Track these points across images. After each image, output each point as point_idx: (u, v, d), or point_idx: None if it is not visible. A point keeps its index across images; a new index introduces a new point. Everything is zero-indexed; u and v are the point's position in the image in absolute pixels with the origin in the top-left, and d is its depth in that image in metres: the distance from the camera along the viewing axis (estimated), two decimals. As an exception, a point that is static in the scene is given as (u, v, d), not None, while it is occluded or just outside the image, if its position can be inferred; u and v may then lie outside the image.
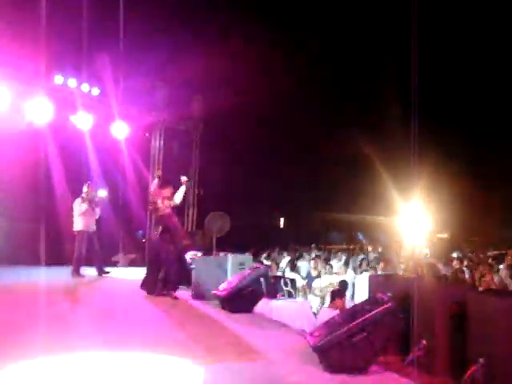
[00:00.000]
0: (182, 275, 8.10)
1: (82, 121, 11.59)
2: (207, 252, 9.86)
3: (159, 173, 8.08)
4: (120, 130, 12.36)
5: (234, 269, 7.98)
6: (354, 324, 4.12)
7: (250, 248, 12.37)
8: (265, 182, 18.64)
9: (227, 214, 10.84)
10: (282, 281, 7.06)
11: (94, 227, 9.81)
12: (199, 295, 7.81)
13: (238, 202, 17.01)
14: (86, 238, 9.55)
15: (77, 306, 6.38)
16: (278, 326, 5.93)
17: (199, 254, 9.31)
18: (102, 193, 10.38)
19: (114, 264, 11.81)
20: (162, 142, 13.65)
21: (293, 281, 7.29)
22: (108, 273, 9.82)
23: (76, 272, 9.45)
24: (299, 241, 17.56)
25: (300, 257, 12.35)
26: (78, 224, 9.63)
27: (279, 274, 9.10)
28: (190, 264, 8.51)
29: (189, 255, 9.05)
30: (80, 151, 11.78)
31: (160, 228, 7.60)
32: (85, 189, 9.83)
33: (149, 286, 7.55)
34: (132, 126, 12.56)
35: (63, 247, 10.93)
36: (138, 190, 12.70)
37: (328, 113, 17.19)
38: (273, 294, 6.80)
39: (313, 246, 15.14)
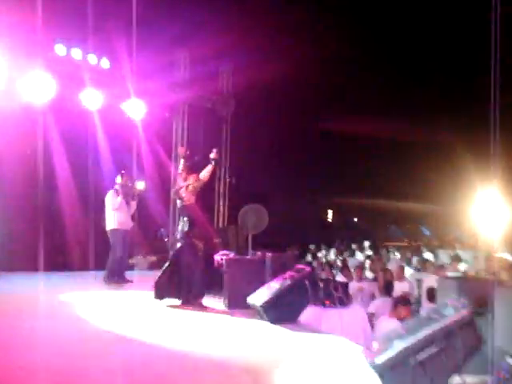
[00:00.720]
0: (211, 279, 8.13)
1: (90, 99, 11.53)
2: (241, 252, 9.92)
3: (183, 152, 8.02)
4: (135, 110, 12.35)
5: (273, 271, 7.96)
6: (420, 339, 3.97)
7: (292, 246, 12.33)
8: (309, 169, 18.88)
9: (264, 206, 10.80)
10: (332, 285, 7.02)
11: (129, 224, 9.89)
12: (232, 303, 7.82)
13: (277, 192, 17.10)
14: (121, 237, 9.61)
15: (75, 329, 6.07)
16: (329, 340, 5.87)
17: (231, 254, 9.32)
18: (140, 185, 10.39)
19: (131, 267, 11.87)
20: (185, 124, 13.75)
21: (344, 285, 7.25)
22: (130, 282, 9.82)
23: (109, 277, 9.57)
24: (351, 237, 17.45)
25: (352, 255, 12.22)
26: (111, 221, 9.67)
27: (328, 276, 9.00)
28: (221, 266, 8.53)
29: (219, 256, 9.07)
30: (87, 136, 11.79)
31: (184, 221, 7.57)
32: (118, 179, 9.87)
33: (160, 289, 7.53)
34: (150, 104, 12.58)
35: (67, 251, 11.10)
36: (157, 180, 12.81)
37: (384, 93, 17.01)
38: (321, 300, 6.78)
39: (366, 244, 14.97)
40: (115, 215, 9.66)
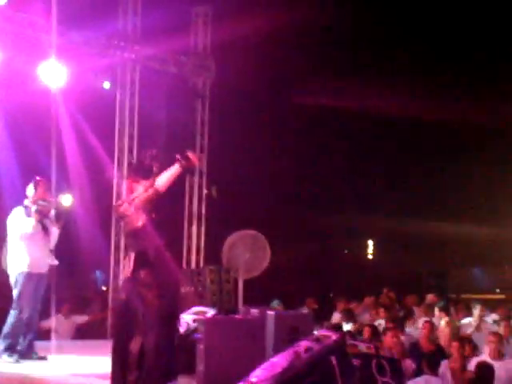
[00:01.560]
0: (176, 355, 7.80)
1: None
2: (227, 309, 10.22)
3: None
4: (55, 76, 12.27)
5: (278, 340, 8.03)
6: None
7: (308, 299, 12.32)
8: (331, 176, 19.12)
9: (264, 234, 11.05)
10: (375, 363, 6.94)
11: (47, 264, 9.80)
12: None
13: (283, 210, 17.10)
14: (33, 285, 9.58)
15: None
16: None
17: (210, 311, 9.46)
18: (65, 200, 10.31)
19: (45, 334, 11.69)
20: (136, 99, 13.79)
21: (395, 363, 7.30)
22: (43, 359, 9.72)
23: (8, 350, 9.50)
24: (404, 282, 17.56)
25: (408, 315, 12.13)
26: (18, 259, 9.59)
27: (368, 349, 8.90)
28: (193, 333, 8.58)
29: (190, 315, 9.10)
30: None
31: (131, 258, 7.34)
32: (30, 191, 9.81)
33: None
34: (78, 68, 12.69)
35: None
36: (90, 192, 12.90)
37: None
38: None
39: (428, 297, 14.97)
40: (25, 249, 9.58)
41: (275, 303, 13.74)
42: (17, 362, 9.44)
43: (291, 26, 14.19)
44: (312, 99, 17.00)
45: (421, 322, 11.86)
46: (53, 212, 9.83)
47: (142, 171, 7.45)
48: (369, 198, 20.87)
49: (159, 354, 7.21)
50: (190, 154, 7.33)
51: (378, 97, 17.50)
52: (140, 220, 7.22)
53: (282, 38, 14.83)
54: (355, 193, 20.44)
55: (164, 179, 7.27)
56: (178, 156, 7.28)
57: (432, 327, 10.87)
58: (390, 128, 19.22)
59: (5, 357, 9.48)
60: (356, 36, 17.03)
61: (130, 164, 8.13)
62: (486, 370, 8.54)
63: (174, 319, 8.04)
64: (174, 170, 7.30)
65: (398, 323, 11.25)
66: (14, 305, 9.58)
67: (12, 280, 9.61)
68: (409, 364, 9.08)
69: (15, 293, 9.55)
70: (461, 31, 17.57)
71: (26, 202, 9.74)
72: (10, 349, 9.52)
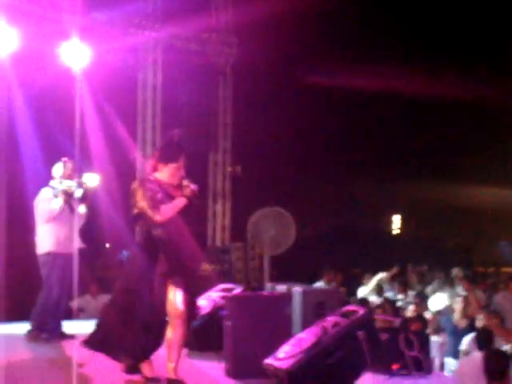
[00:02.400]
0: (203, 332, 8.25)
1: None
2: (253, 285, 10.29)
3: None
4: (77, 56, 12.22)
5: (305, 315, 8.04)
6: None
7: (335, 274, 12.30)
8: (355, 152, 19.38)
9: (289, 211, 10.96)
10: (403, 337, 6.92)
11: (74, 245, 9.73)
12: (238, 369, 7.77)
13: (308, 185, 17.08)
14: (60, 266, 9.58)
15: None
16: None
17: (237, 289, 9.39)
18: (91, 179, 10.27)
19: (75, 314, 11.81)
20: (159, 78, 13.73)
21: (423, 337, 7.10)
22: (71, 338, 9.64)
23: (37, 330, 9.56)
24: (431, 258, 17.49)
25: (440, 287, 12.18)
26: (45, 240, 9.61)
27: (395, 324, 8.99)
28: (219, 310, 8.57)
29: (216, 293, 9.11)
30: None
31: (145, 238, 7.19)
32: (57, 171, 9.79)
33: (99, 343, 7.22)
34: (100, 47, 12.63)
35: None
36: (114, 172, 12.79)
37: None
38: (385, 363, 6.69)
39: (455, 270, 14.92)
40: (52, 230, 9.59)
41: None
42: (46, 340, 9.54)
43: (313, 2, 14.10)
44: (330, 78, 16.99)
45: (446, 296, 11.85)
46: (79, 192, 9.86)
47: (170, 152, 7.20)
48: (394, 172, 20.78)
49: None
50: (187, 185, 7.10)
51: (399, 76, 17.46)
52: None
53: (304, 15, 14.73)
54: (380, 168, 20.36)
55: (168, 210, 6.92)
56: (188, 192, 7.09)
57: (467, 302, 10.84)
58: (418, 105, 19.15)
59: (34, 336, 9.58)
60: (378, 16, 17.00)
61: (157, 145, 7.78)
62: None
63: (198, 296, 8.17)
64: (179, 203, 7.02)
65: (423, 299, 11.23)
66: (44, 285, 9.68)
67: (40, 260, 9.66)
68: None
69: (44, 273, 9.60)
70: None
71: (53, 182, 9.78)
72: (39, 328, 9.62)
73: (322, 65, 16.53)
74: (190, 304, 7.08)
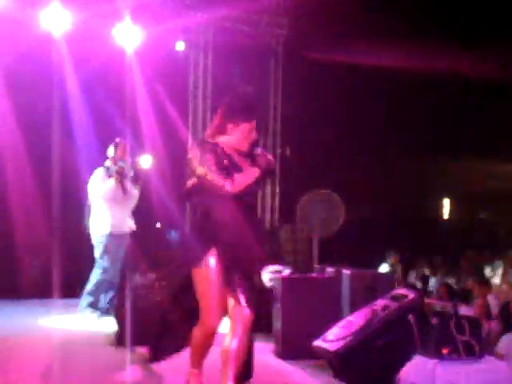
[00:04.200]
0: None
1: (54, 19, 11.60)
2: (302, 267, 10.15)
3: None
4: (130, 38, 12.40)
5: (354, 298, 8.01)
6: None
7: (385, 258, 12.27)
8: (407, 133, 18.96)
9: (339, 194, 11.05)
10: (454, 322, 6.79)
11: (128, 225, 9.97)
12: (288, 350, 7.80)
13: (358, 170, 16.99)
14: (115, 246, 9.78)
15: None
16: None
17: (286, 270, 9.33)
18: (144, 161, 10.37)
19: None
20: (209, 60, 13.76)
21: (475, 322, 7.06)
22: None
23: (92, 305, 9.78)
24: (485, 243, 17.34)
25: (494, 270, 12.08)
26: (98, 220, 9.77)
27: (446, 308, 8.88)
28: (270, 291, 8.53)
29: (266, 275, 9.00)
30: (49, 82, 11.77)
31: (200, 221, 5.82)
32: (110, 152, 9.96)
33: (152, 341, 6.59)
34: (152, 29, 12.64)
35: (17, 269, 11.56)
36: (165, 154, 12.84)
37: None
38: (435, 348, 6.56)
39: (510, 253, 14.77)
40: (106, 210, 9.75)
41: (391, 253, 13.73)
42: (98, 318, 9.68)
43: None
44: (384, 59, 16.84)
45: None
46: (131, 173, 9.95)
47: (243, 109, 5.87)
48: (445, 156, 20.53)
49: None
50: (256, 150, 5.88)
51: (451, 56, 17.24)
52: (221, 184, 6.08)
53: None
54: (432, 150, 20.13)
55: (242, 180, 5.63)
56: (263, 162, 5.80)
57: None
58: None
59: (87, 313, 9.72)
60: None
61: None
62: None
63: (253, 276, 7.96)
64: (253, 174, 5.76)
65: (483, 283, 11.13)
66: (96, 264, 9.82)
67: (94, 240, 9.84)
68: (494, 325, 8.94)
69: (98, 252, 9.78)
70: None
71: (107, 163, 9.91)
72: (92, 305, 9.78)
73: (375, 45, 16.36)
74: (253, 306, 5.69)
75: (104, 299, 9.83)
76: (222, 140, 5.64)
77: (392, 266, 13.36)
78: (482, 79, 18.24)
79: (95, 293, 9.79)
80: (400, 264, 14.00)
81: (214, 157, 5.46)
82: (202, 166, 5.44)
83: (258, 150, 5.83)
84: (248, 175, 5.61)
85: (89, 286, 9.80)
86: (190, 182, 5.68)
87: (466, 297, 10.80)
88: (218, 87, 13.47)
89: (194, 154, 5.58)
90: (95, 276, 9.79)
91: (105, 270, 9.74)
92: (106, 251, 9.73)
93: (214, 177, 5.39)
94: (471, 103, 19.50)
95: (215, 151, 5.50)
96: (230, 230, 5.55)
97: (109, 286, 9.79)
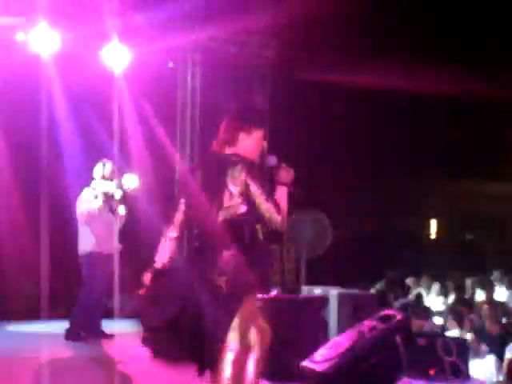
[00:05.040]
0: None
1: (42, 40, 11.57)
2: (289, 288, 10.40)
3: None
4: (116, 58, 12.37)
5: (342, 320, 8.01)
6: None
7: (372, 278, 12.31)
8: (394, 151, 18.91)
9: (327, 214, 10.99)
10: (441, 343, 6.85)
11: (114, 246, 9.95)
12: (273, 372, 7.37)
13: (343, 187, 17.02)
14: (102, 266, 9.71)
15: None
16: None
17: (273, 291, 9.20)
18: (130, 181, 10.32)
19: (108, 313, 11.89)
20: (198, 79, 13.74)
21: (462, 343, 7.17)
22: (111, 336, 9.93)
23: (74, 330, 9.69)
24: (469, 264, 17.36)
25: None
26: (85, 240, 9.72)
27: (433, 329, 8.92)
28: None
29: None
30: (37, 100, 11.87)
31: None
32: (98, 171, 9.89)
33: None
34: (139, 49, 12.63)
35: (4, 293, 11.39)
36: (151, 174, 12.70)
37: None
38: (423, 369, 6.63)
39: (496, 275, 14.84)
40: (92, 230, 9.69)
41: None
42: (85, 339, 9.65)
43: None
44: (373, 78, 16.93)
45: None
46: (118, 194, 9.93)
47: (254, 116, 5.57)
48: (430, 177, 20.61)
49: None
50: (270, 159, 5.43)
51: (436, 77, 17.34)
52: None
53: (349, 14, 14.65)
54: (417, 170, 20.21)
55: (284, 211, 5.21)
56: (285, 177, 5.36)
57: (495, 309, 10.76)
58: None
59: (73, 334, 9.69)
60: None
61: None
62: None
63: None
64: (283, 194, 5.34)
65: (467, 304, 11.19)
66: (84, 284, 9.76)
67: (81, 261, 9.76)
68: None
69: (84, 273, 9.71)
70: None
71: (93, 183, 9.88)
72: (79, 327, 9.73)
73: (365, 67, 16.44)
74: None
75: (91, 320, 9.81)
76: (235, 153, 5.26)
77: (386, 285, 13.37)
78: (467, 99, 18.38)
79: (82, 314, 9.75)
80: (395, 283, 14.01)
81: (261, 184, 5.06)
82: (263, 200, 5.04)
83: (273, 160, 5.38)
84: (283, 197, 5.21)
85: (76, 307, 9.77)
86: (240, 206, 5.12)
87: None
88: (207, 106, 13.50)
89: (247, 178, 5.05)
90: (82, 297, 9.73)
91: (92, 291, 9.65)
92: (92, 271, 9.66)
93: (274, 214, 5.04)
94: (463, 124, 19.63)
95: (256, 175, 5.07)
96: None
97: (95, 307, 9.76)
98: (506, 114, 19.44)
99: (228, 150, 5.27)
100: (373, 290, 12.92)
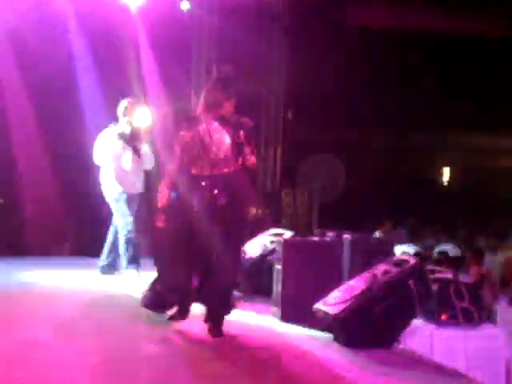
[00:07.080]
0: (253, 276, 8.34)
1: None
2: (303, 231, 10.17)
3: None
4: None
5: (355, 263, 7.95)
6: None
7: (386, 223, 12.31)
8: (409, 99, 18.70)
9: (340, 158, 10.99)
10: (453, 288, 6.95)
11: (138, 186, 10.00)
12: (288, 313, 7.81)
13: (358, 135, 16.98)
14: (126, 204, 9.79)
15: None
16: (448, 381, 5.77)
17: (287, 233, 9.34)
18: (146, 117, 10.22)
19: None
20: (214, 18, 13.73)
21: (474, 289, 7.30)
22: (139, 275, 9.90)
23: (110, 266, 9.96)
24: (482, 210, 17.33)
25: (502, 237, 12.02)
26: (109, 180, 9.80)
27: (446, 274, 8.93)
28: (270, 254, 8.62)
29: (266, 237, 9.11)
30: (58, 35, 11.98)
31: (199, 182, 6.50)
32: (121, 109, 9.84)
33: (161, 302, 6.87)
34: None
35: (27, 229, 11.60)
36: (168, 112, 12.64)
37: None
38: (434, 313, 6.77)
39: None
40: (116, 170, 9.75)
41: None
42: (115, 274, 9.90)
43: None
44: (386, 19, 16.82)
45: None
46: (127, 130, 9.87)
47: (231, 85, 6.63)
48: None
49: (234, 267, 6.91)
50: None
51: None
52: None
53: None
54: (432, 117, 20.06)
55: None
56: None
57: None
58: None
59: (105, 270, 9.94)
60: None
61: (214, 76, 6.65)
62: None
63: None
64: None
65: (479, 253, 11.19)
66: (112, 223, 9.95)
67: (107, 200, 9.86)
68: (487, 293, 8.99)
69: (112, 212, 9.87)
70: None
71: (117, 125, 9.85)
72: (111, 265, 9.96)
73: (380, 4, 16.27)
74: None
75: (121, 257, 9.89)
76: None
77: (384, 233, 13.37)
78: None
79: (112, 252, 9.93)
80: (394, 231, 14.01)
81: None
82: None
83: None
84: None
85: (106, 247, 9.93)
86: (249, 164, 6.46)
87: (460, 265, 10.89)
88: (222, 46, 13.45)
89: (251, 135, 6.59)
90: (110, 236, 9.94)
91: (119, 229, 9.79)
92: (118, 211, 9.76)
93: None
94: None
95: None
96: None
97: (125, 245, 9.82)
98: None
99: (214, 114, 6.44)
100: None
